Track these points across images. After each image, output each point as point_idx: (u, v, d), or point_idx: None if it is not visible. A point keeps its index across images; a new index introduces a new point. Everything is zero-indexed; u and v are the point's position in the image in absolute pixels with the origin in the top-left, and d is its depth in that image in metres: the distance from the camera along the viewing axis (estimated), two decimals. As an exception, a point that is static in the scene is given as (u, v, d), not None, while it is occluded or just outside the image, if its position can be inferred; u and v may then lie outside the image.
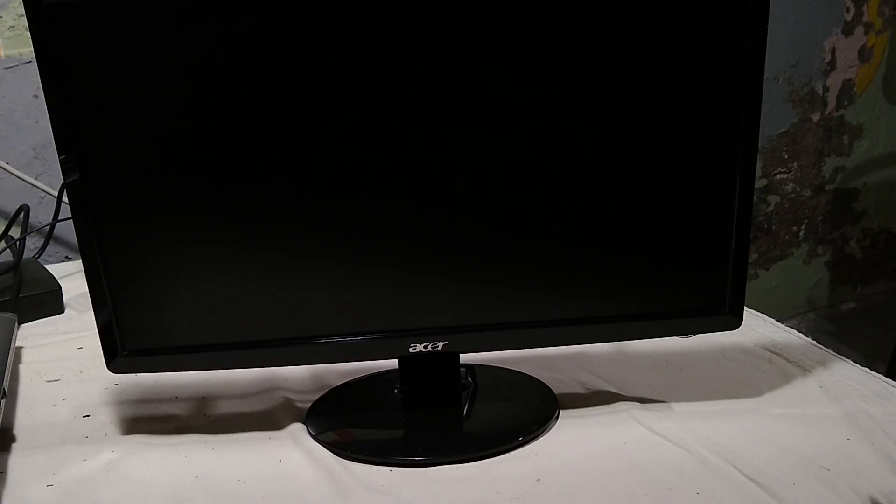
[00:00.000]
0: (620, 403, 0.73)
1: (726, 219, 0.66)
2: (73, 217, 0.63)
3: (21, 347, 0.91)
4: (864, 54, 1.94)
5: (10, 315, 0.87)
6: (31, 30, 0.58)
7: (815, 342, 0.84)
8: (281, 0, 0.58)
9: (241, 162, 0.62)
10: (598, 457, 0.65)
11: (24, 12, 0.58)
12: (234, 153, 0.62)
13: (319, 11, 0.59)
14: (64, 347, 0.91)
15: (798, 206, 2.02)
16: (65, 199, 1.13)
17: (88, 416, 0.75)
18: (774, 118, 1.89)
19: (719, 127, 0.64)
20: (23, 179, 1.18)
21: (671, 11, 0.61)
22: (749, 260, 0.69)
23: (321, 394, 0.77)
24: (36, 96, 1.18)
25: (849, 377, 0.77)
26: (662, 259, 0.67)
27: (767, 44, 0.62)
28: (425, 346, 0.68)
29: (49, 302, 1.01)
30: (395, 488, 0.62)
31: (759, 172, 1.90)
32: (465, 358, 0.75)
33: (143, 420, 0.75)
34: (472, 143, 0.63)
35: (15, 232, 1.15)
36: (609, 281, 0.68)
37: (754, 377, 0.78)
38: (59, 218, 1.17)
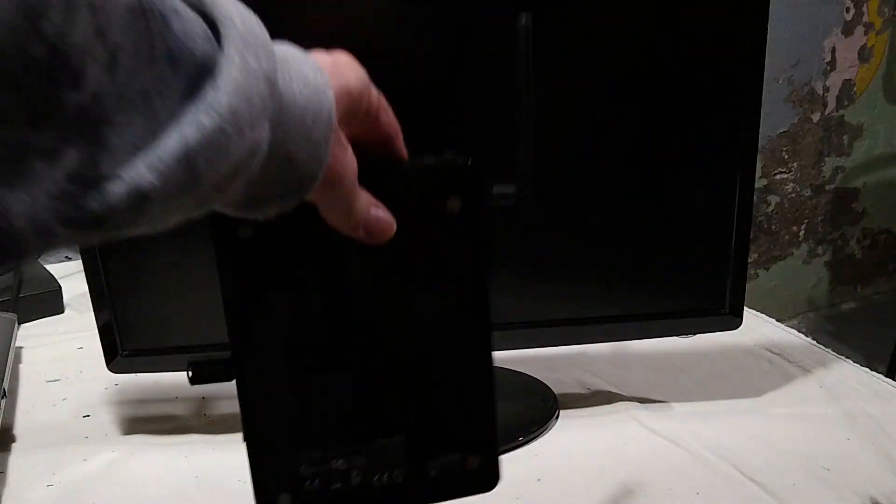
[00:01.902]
0: (620, 403, 0.73)
1: (726, 219, 0.66)
2: (73, 217, 0.63)
3: (21, 347, 0.91)
4: (864, 54, 1.94)
5: (10, 315, 0.87)
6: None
7: (815, 342, 0.84)
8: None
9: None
10: (598, 457, 0.65)
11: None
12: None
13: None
14: (64, 347, 0.91)
15: (798, 206, 2.02)
16: (65, 199, 1.13)
17: (88, 416, 0.75)
18: (774, 118, 1.89)
19: (719, 127, 0.64)
20: (23, 179, 1.18)
21: (671, 12, 0.61)
22: (749, 260, 0.69)
23: (321, 394, 0.77)
24: (36, 96, 1.18)
25: (849, 377, 0.77)
26: (662, 259, 0.67)
27: (767, 44, 0.62)
28: (425, 346, 0.68)
29: (49, 302, 1.01)
30: (395, 488, 0.62)
31: (759, 172, 1.90)
32: (465, 358, 0.75)
33: (143, 420, 0.75)
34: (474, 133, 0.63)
35: (15, 232, 1.15)
36: (609, 281, 0.68)
37: (754, 377, 0.78)
38: (59, 218, 1.17)
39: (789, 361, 0.80)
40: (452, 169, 0.39)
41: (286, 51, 0.32)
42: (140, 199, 0.25)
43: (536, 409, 0.72)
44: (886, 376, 0.76)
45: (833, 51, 1.90)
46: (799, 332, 0.87)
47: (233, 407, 0.81)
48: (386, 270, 0.40)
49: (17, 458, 0.69)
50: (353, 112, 0.35)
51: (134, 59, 0.25)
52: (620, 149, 0.64)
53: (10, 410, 0.77)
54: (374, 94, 0.37)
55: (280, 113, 0.30)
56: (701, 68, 0.62)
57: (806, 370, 0.78)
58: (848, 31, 1.90)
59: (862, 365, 0.79)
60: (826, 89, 1.93)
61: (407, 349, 0.42)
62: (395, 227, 0.37)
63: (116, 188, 0.25)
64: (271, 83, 0.29)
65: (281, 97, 0.30)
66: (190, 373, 0.54)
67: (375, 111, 0.37)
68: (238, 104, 0.27)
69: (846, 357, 0.80)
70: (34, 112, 0.23)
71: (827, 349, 0.82)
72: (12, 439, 0.72)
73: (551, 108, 0.63)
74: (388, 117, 0.38)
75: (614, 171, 0.65)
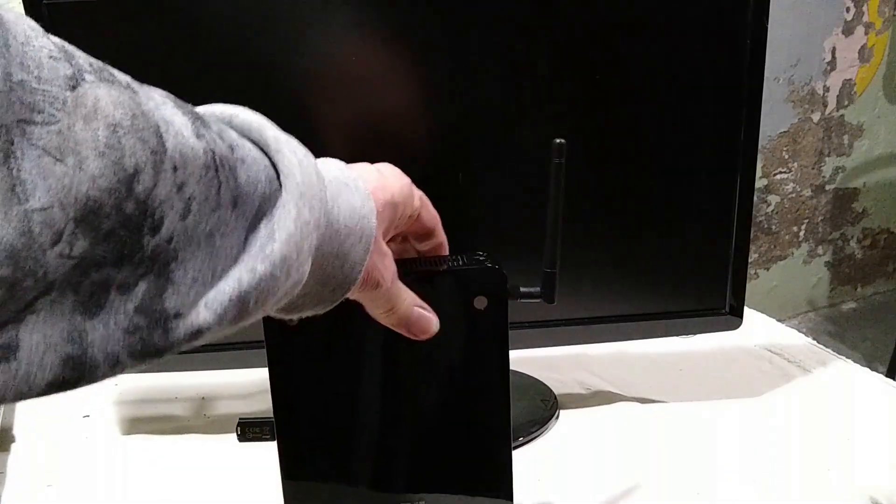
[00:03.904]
0: (620, 403, 0.73)
1: (726, 219, 0.66)
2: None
3: (21, 347, 0.91)
4: (864, 54, 1.94)
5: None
6: (31, 30, 0.58)
7: (815, 342, 0.84)
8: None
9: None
10: (597, 457, 0.65)
11: (23, 12, 0.58)
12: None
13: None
14: (64, 347, 0.91)
15: (798, 206, 2.02)
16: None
17: (88, 416, 0.75)
18: (774, 118, 1.89)
19: (719, 127, 0.64)
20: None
21: (671, 12, 0.61)
22: (749, 260, 0.69)
23: (321, 394, 0.77)
24: (36, 96, 1.17)
25: (849, 377, 0.77)
26: (662, 259, 0.67)
27: (767, 44, 0.62)
28: (425, 347, 0.68)
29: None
30: (395, 488, 0.62)
31: (759, 172, 1.90)
32: (465, 358, 0.75)
33: (143, 420, 0.75)
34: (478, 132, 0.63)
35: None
36: (609, 281, 0.68)
37: (754, 377, 0.78)
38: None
39: (789, 361, 0.80)
40: (481, 273, 0.44)
41: (339, 181, 0.35)
42: (197, 334, 0.29)
43: (536, 409, 0.72)
44: (886, 376, 0.76)
45: (833, 51, 1.90)
46: (799, 332, 0.87)
47: (232, 407, 0.81)
48: (417, 354, 0.45)
49: (17, 458, 0.69)
50: (396, 219, 0.39)
51: (203, 206, 0.28)
52: (620, 150, 0.64)
53: (10, 410, 0.77)
54: (416, 198, 0.40)
55: (323, 243, 0.33)
56: (701, 68, 0.62)
57: (806, 370, 0.78)
58: (848, 31, 1.90)
59: (862, 365, 0.79)
60: (826, 89, 1.93)
61: (433, 422, 0.47)
62: (437, 325, 0.41)
63: (179, 326, 0.28)
64: (320, 227, 0.32)
65: (327, 230, 0.33)
66: (238, 430, 0.65)
67: (417, 214, 0.41)
68: (289, 252, 0.30)
69: (846, 357, 0.80)
70: (120, 255, 0.26)
71: (827, 349, 0.82)
72: (12, 439, 0.72)
73: (549, 103, 0.63)
74: (429, 213, 0.42)
75: (614, 172, 0.65)
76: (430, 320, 0.40)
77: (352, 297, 0.37)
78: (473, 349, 0.46)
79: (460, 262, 0.45)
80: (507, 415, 0.47)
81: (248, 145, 0.31)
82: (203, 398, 0.78)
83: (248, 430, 0.68)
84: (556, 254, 0.48)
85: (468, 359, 0.46)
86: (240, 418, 0.68)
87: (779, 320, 0.90)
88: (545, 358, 0.79)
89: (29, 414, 0.76)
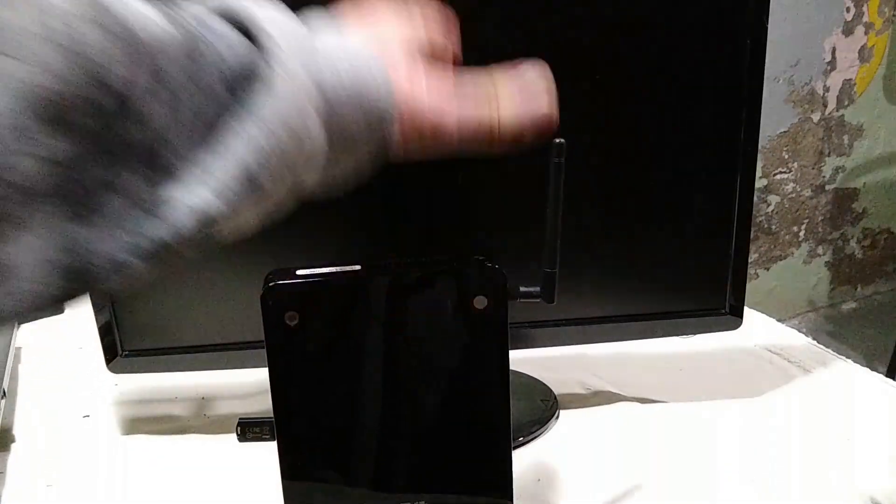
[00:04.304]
0: (620, 403, 0.73)
1: (726, 219, 0.66)
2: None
3: (21, 347, 0.91)
4: (864, 54, 1.94)
5: (10, 315, 0.87)
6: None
7: (815, 342, 0.84)
8: None
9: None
10: (597, 457, 0.65)
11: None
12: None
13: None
14: (64, 347, 0.91)
15: (798, 206, 2.02)
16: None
17: (88, 416, 0.75)
18: (774, 118, 1.89)
19: (719, 127, 0.64)
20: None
21: (671, 12, 0.61)
22: (749, 260, 0.69)
23: (321, 394, 0.77)
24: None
25: (849, 377, 0.76)
26: (662, 259, 0.67)
27: (767, 44, 0.62)
28: (425, 347, 0.68)
29: (49, 302, 1.01)
30: (395, 488, 0.62)
31: (759, 172, 1.90)
32: (465, 358, 0.75)
33: (143, 420, 0.75)
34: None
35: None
36: (609, 281, 0.68)
37: (754, 377, 0.78)
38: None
39: (789, 361, 0.80)
40: (481, 272, 0.45)
41: (330, 37, 0.34)
42: (208, 222, 0.27)
43: (536, 409, 0.72)
44: (886, 376, 0.76)
45: (833, 51, 1.90)
46: (799, 332, 0.87)
47: (232, 407, 0.81)
48: (417, 354, 0.46)
49: (17, 458, 0.69)
50: (412, 36, 0.38)
51: (185, 89, 0.27)
52: (620, 149, 0.64)
53: (10, 410, 0.77)
54: (420, 28, 0.39)
55: (329, 96, 0.31)
56: (701, 68, 0.62)
57: (806, 370, 0.78)
58: (848, 31, 1.90)
59: (862, 365, 0.79)
60: (826, 89, 1.93)
61: (433, 422, 0.48)
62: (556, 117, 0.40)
63: (182, 216, 0.26)
64: (317, 81, 0.31)
65: (330, 79, 0.31)
66: (238, 430, 0.65)
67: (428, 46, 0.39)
68: (285, 111, 0.29)
69: (846, 357, 0.80)
70: (107, 153, 0.25)
71: (827, 349, 0.82)
72: (12, 439, 0.72)
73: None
74: (436, 36, 0.41)
75: (614, 172, 0.65)
76: (538, 108, 0.40)
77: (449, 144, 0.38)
78: (473, 349, 0.46)
79: (460, 263, 0.45)
80: (507, 415, 0.47)
81: (222, 21, 0.30)
82: (203, 398, 0.78)
83: (248, 430, 0.68)
84: (556, 254, 0.48)
85: (468, 359, 0.46)
86: (240, 418, 0.69)
87: (779, 320, 0.90)
88: (545, 358, 0.79)
89: (29, 414, 0.76)
